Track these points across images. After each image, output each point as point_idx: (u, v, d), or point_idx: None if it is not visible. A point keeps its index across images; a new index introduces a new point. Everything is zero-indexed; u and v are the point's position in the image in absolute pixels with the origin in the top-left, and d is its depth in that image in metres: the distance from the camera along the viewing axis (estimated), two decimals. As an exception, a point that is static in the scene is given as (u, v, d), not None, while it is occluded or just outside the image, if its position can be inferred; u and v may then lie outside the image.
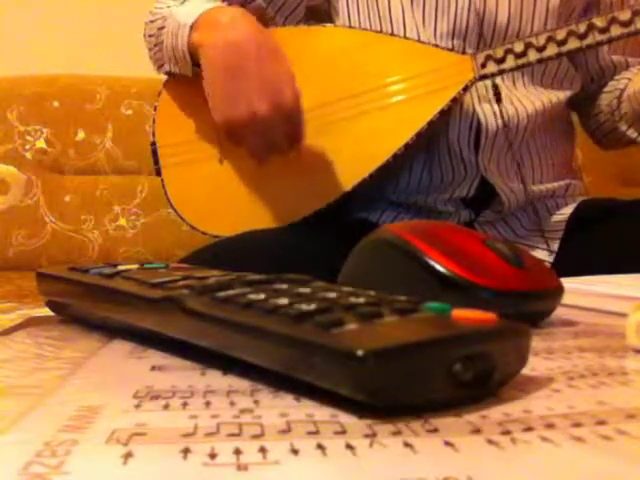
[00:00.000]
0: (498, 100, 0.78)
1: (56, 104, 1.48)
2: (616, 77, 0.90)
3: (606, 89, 0.90)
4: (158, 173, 0.83)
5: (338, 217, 0.82)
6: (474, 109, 0.81)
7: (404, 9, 0.82)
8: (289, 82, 0.71)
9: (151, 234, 1.44)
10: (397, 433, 0.19)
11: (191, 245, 0.79)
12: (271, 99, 0.70)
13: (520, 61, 0.74)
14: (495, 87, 0.78)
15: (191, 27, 0.75)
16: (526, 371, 0.24)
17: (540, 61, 0.74)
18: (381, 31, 0.82)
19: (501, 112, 0.78)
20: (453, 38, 0.81)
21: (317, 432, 0.19)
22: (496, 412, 0.20)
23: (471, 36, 0.81)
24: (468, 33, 0.81)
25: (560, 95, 0.86)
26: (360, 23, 0.85)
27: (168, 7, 0.81)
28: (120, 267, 0.35)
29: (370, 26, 0.84)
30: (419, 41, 0.80)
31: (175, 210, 0.82)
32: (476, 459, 0.17)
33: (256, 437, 0.18)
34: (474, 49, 0.79)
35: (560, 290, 0.36)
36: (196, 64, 0.77)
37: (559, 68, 0.86)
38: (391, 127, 0.77)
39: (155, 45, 0.82)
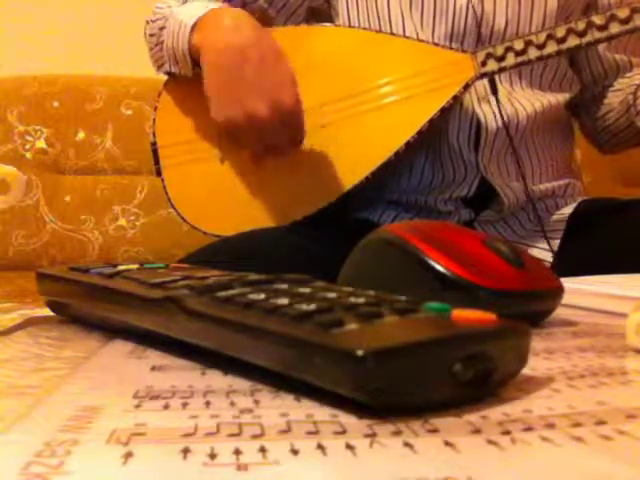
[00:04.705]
0: (494, 93, 0.77)
1: (56, 104, 1.48)
2: (627, 75, 0.90)
3: (617, 87, 0.90)
4: (159, 173, 0.83)
5: (338, 217, 0.82)
6: (474, 109, 0.81)
7: (403, 12, 0.82)
8: (289, 84, 0.71)
9: (151, 234, 1.44)
10: (397, 433, 0.19)
11: (191, 245, 0.79)
12: (270, 101, 0.70)
13: (520, 59, 0.74)
14: (492, 81, 0.77)
15: (192, 28, 0.75)
16: (526, 371, 0.24)
17: (540, 59, 0.74)
18: (381, 31, 0.82)
19: (500, 112, 0.78)
20: (451, 41, 0.81)
21: (317, 432, 0.19)
22: (496, 412, 0.20)
23: (469, 39, 0.81)
24: (466, 36, 0.81)
25: (559, 97, 0.86)
26: (359, 25, 0.85)
27: (169, 7, 0.81)
28: (120, 267, 0.35)
29: (369, 28, 0.84)
30: (419, 40, 0.80)
31: (176, 210, 0.82)
32: (476, 459, 0.17)
33: (256, 437, 0.18)
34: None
35: (560, 290, 0.36)
36: (196, 64, 0.77)
37: (557, 71, 0.86)
38: (393, 125, 0.77)
39: (156, 45, 0.82)
